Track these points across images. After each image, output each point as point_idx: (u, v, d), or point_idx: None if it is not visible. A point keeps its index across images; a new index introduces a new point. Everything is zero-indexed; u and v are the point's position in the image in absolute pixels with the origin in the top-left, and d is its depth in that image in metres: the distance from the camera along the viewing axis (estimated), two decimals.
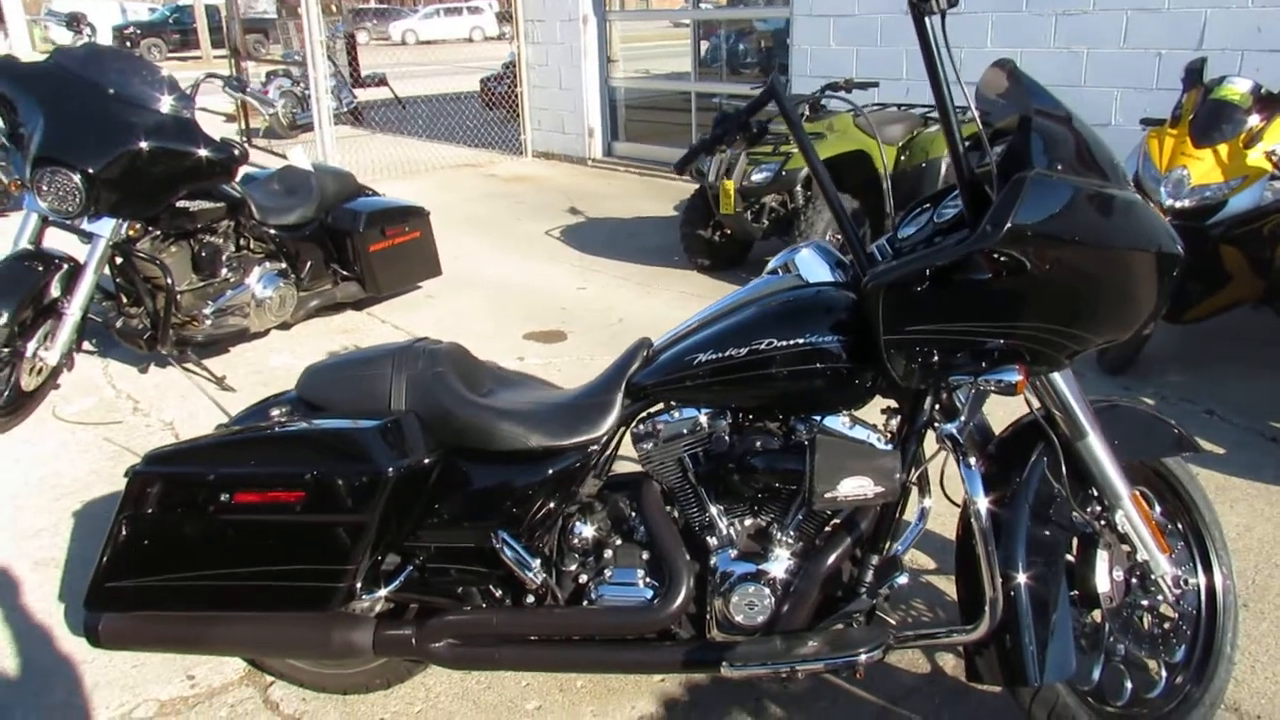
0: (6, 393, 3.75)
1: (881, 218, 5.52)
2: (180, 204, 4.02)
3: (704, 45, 10.11)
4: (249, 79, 12.81)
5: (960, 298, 1.70)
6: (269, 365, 4.53)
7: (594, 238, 6.81)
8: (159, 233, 4.08)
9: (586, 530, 2.07)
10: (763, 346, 1.86)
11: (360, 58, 15.81)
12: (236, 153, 3.99)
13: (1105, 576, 1.89)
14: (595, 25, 9.27)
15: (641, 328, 4.85)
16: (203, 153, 3.90)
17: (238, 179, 4.41)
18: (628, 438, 2.06)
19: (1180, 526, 2.13)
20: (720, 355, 1.89)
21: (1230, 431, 3.48)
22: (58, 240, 4.03)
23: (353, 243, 4.84)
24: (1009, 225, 1.59)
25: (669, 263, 6.01)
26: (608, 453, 2.07)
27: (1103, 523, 1.94)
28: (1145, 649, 2.04)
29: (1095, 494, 1.96)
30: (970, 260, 1.65)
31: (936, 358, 1.77)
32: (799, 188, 5.24)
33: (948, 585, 2.62)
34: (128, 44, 31.01)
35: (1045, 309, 1.70)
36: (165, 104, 3.87)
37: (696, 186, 5.65)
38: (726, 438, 1.97)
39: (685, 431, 1.98)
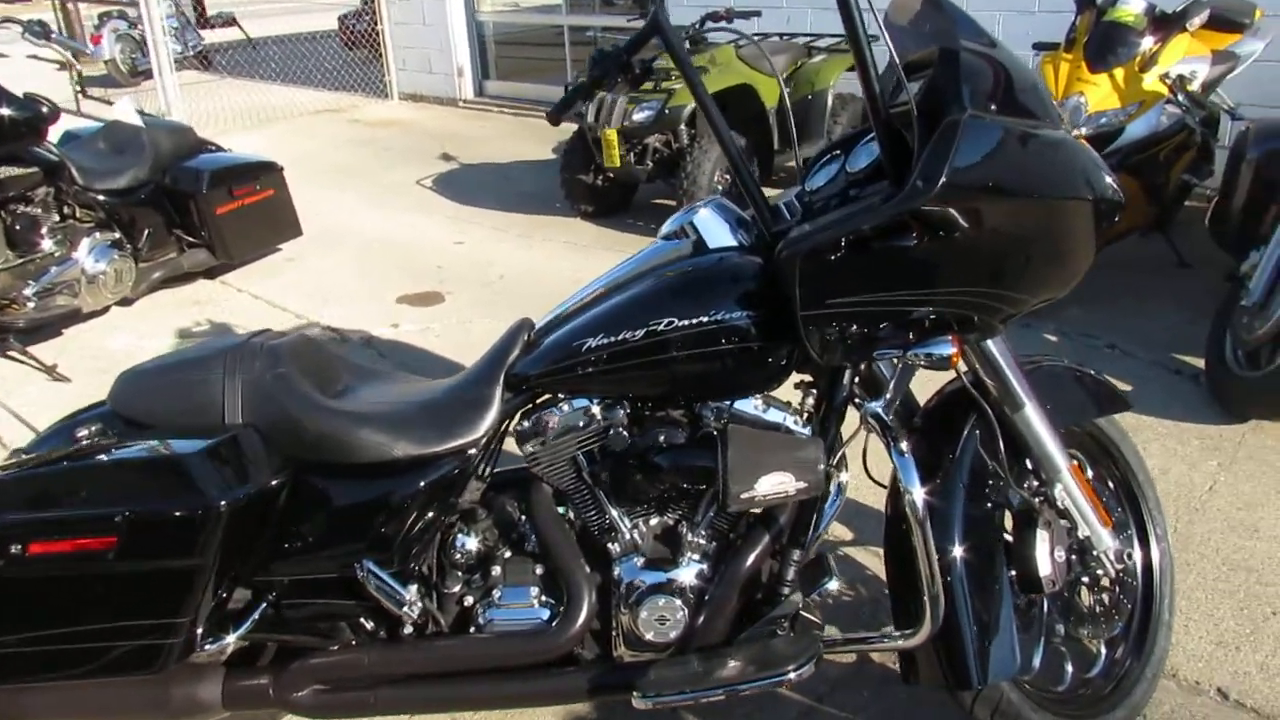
0: None
1: (770, 154, 5.30)
2: None
3: None
4: (81, 22, 11.71)
5: (887, 263, 1.47)
6: (109, 349, 4.05)
7: (469, 186, 6.39)
8: None
9: (470, 543, 1.79)
10: (661, 327, 1.59)
11: None
12: (44, 110, 3.48)
13: (1047, 559, 1.72)
14: None
15: (524, 284, 4.53)
16: (4, 111, 3.38)
17: (54, 139, 3.88)
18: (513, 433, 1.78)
19: (1114, 487, 1.99)
20: (613, 339, 1.62)
21: (1135, 366, 3.41)
22: None
23: (196, 205, 4.34)
24: (944, 179, 1.36)
25: (550, 210, 5.67)
26: (489, 454, 1.79)
27: (1041, 499, 1.77)
28: (1086, 627, 1.90)
29: (1031, 467, 1.78)
30: (902, 219, 1.41)
31: (861, 331, 1.54)
32: (683, 126, 4.95)
33: (868, 559, 2.45)
34: None
35: (981, 271, 1.48)
36: None
37: (576, 128, 5.30)
38: (624, 431, 1.71)
39: (576, 426, 1.71)
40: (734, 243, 1.73)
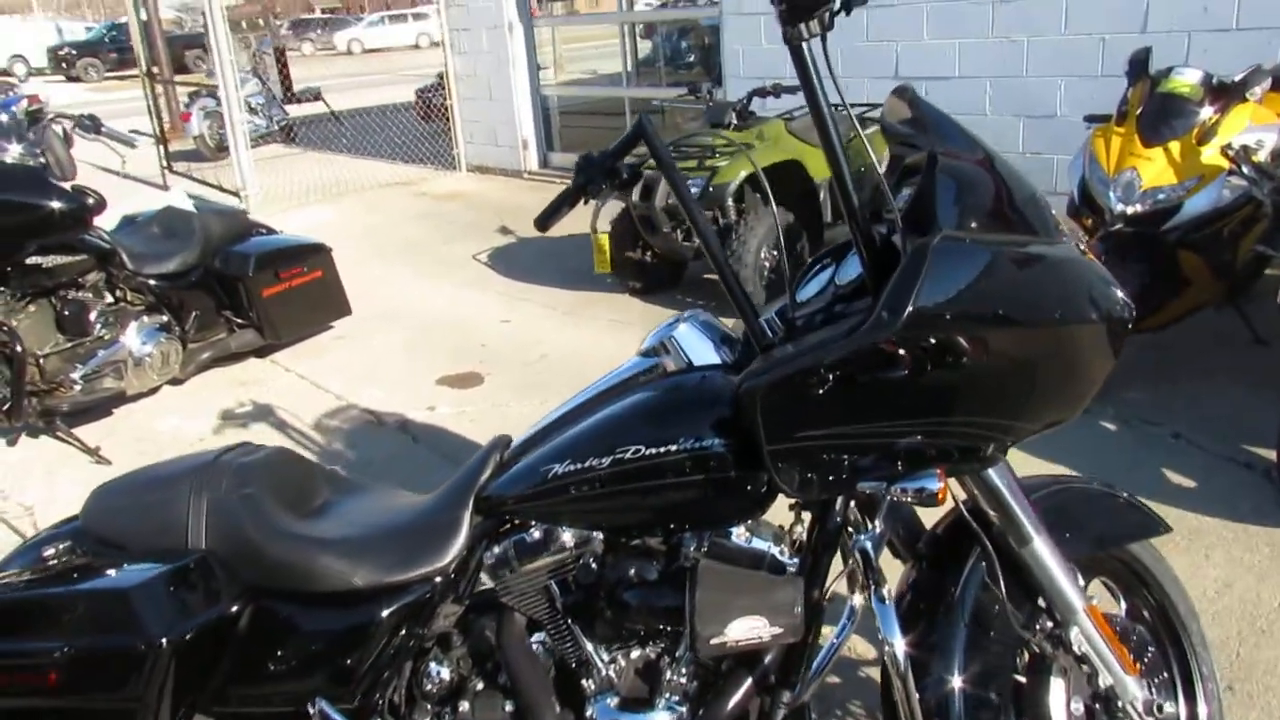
0: None
1: (820, 228, 5.19)
2: (32, 260, 3.59)
3: (646, 45, 9.80)
4: (178, 99, 12.26)
5: (859, 395, 1.34)
6: (155, 430, 4.11)
7: (523, 260, 6.42)
8: (10, 293, 3.64)
9: (442, 672, 1.69)
10: (628, 455, 1.49)
11: (300, 70, 15.26)
12: (90, 201, 3.57)
13: (1062, 710, 1.55)
14: (522, 32, 8.87)
15: (565, 364, 4.48)
16: (52, 205, 3.49)
17: (114, 224, 4.00)
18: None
19: (1150, 619, 1.79)
20: (579, 467, 1.52)
21: (1200, 459, 3.16)
22: None
23: (244, 288, 4.42)
24: (910, 309, 1.24)
25: (600, 286, 5.63)
26: (463, 579, 1.70)
27: (1056, 642, 1.60)
28: None
29: (1045, 606, 1.61)
30: (866, 353, 1.29)
31: (837, 465, 1.41)
32: (729, 201, 4.88)
33: None
34: (63, 65, 30.15)
35: (969, 400, 1.35)
36: (8, 151, 3.45)
37: (623, 205, 5.28)
38: (594, 564, 1.60)
39: (546, 555, 1.61)
40: (716, 360, 1.63)
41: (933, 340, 1.27)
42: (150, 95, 10.41)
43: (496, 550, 1.65)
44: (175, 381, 4.45)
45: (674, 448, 1.47)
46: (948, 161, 1.37)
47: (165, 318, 4.20)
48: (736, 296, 1.59)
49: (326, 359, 4.80)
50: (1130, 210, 3.36)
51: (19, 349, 3.56)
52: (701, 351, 1.66)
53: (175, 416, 4.22)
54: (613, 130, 8.91)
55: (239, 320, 4.56)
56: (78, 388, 3.86)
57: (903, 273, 1.28)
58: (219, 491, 1.69)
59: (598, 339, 4.83)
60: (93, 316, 3.96)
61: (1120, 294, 1.42)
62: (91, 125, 3.86)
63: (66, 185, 3.56)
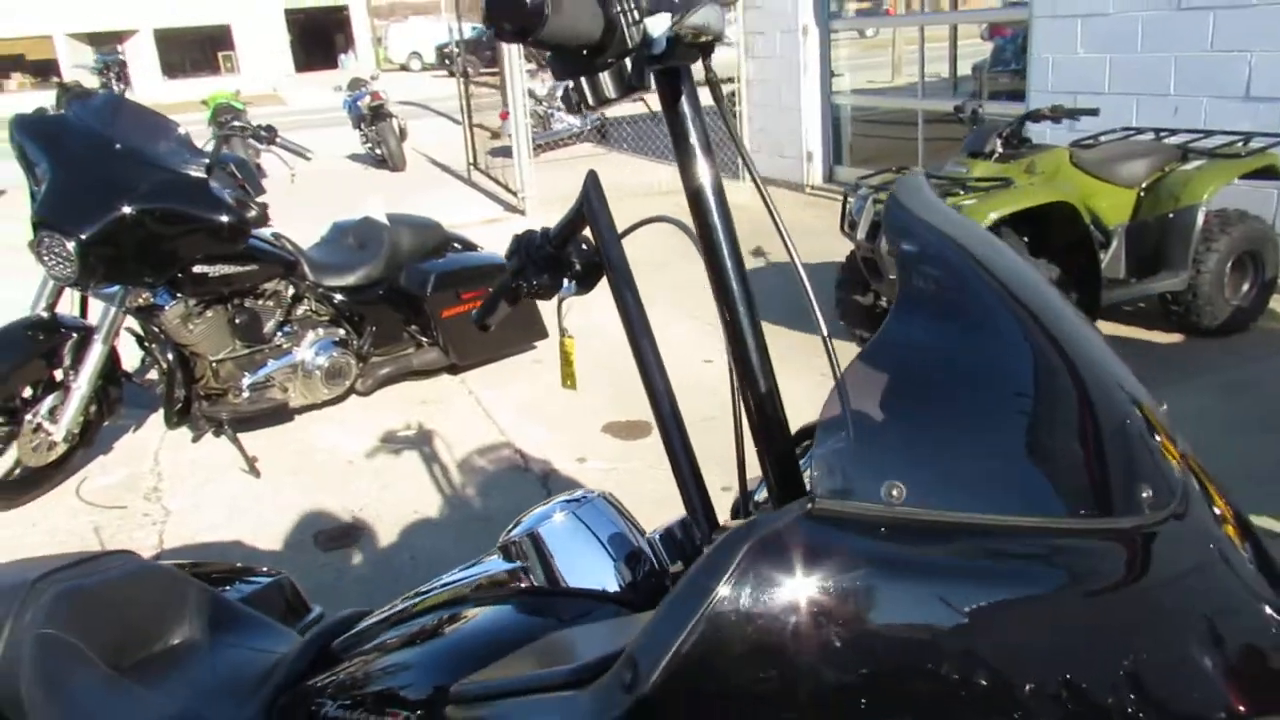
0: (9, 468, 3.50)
1: (1097, 285, 4.15)
2: (201, 270, 3.60)
3: (984, 49, 8.85)
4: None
5: None
6: (314, 447, 4.03)
7: (759, 288, 5.77)
8: (186, 299, 3.68)
9: None
10: None
11: None
12: (250, 214, 3.51)
13: None
14: (817, 36, 8.20)
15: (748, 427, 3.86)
16: (213, 217, 3.46)
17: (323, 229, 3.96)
18: None
19: None
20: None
21: None
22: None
23: (426, 307, 4.24)
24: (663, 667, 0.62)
25: (830, 330, 4.90)
26: None
27: None
28: None
29: None
30: None
31: None
32: None
33: None
34: (446, 61, 33.37)
35: None
36: (178, 163, 3.46)
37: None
38: None
39: None
40: (600, 586, 1.06)
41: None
42: (464, 94, 10.93)
43: None
44: (359, 394, 4.38)
45: None
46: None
47: (342, 331, 4.12)
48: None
49: (510, 386, 4.53)
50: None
51: (169, 358, 3.57)
52: (580, 566, 1.09)
53: (339, 433, 4.13)
54: (905, 141, 8.02)
55: (424, 338, 4.41)
56: (244, 395, 3.86)
57: (675, 596, 0.64)
58: (22, 623, 1.36)
59: (808, 395, 4.13)
60: (270, 325, 3.95)
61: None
62: (266, 136, 3.83)
63: (252, 199, 3.57)
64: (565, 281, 1.29)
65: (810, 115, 8.42)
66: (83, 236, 3.25)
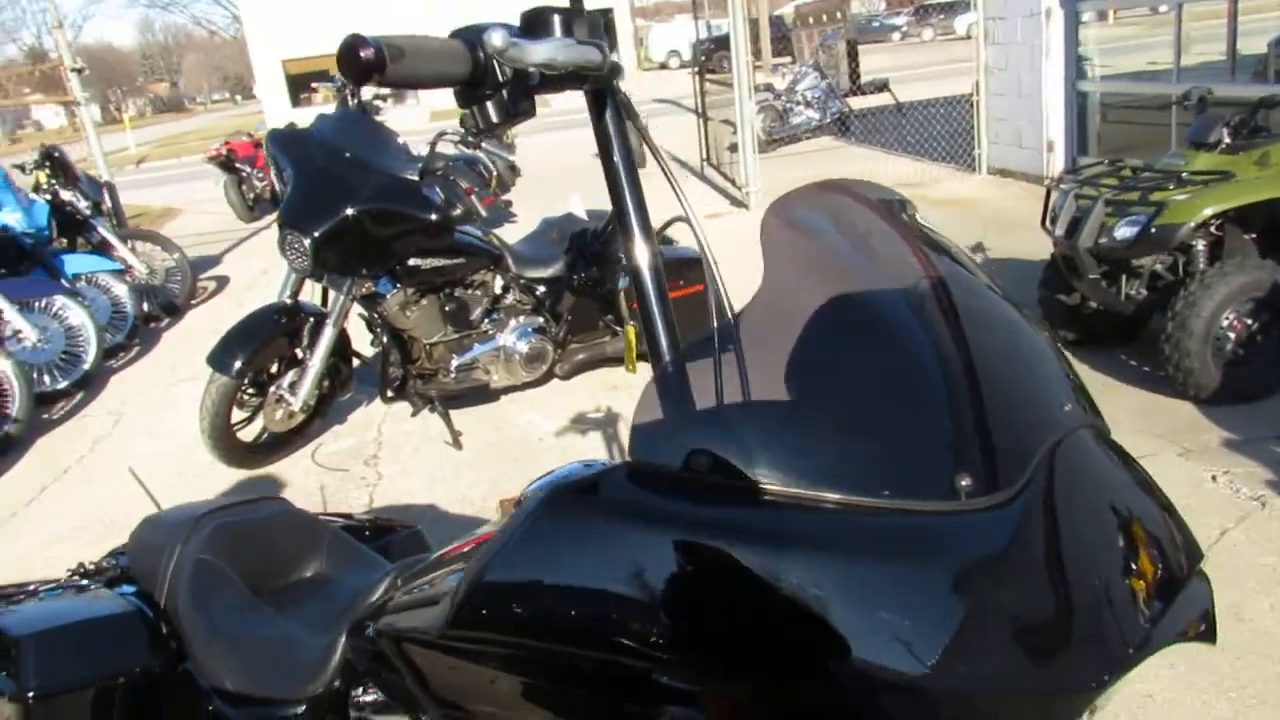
0: (257, 433, 4.08)
1: None
2: (416, 262, 4.02)
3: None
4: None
5: None
6: (511, 424, 4.38)
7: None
8: (404, 288, 4.12)
9: None
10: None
11: (877, 60, 15.16)
12: (456, 213, 3.87)
13: None
14: (1061, 19, 7.72)
15: None
16: (422, 215, 3.86)
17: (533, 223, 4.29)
18: None
19: None
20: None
21: None
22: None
23: (620, 299, 4.47)
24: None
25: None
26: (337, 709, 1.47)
27: None
28: None
29: None
30: None
31: None
32: (1197, 246, 3.71)
33: None
34: (701, 58, 34.06)
35: None
36: (395, 168, 3.88)
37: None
38: None
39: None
40: None
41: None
42: (699, 91, 11.17)
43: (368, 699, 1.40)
44: (559, 378, 4.70)
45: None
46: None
47: (542, 320, 4.44)
48: None
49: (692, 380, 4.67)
50: None
51: (385, 340, 4.02)
52: None
53: (537, 413, 4.46)
54: (1158, 128, 7.39)
55: (619, 327, 4.64)
56: (453, 375, 4.26)
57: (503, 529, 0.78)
58: (188, 549, 1.67)
59: None
60: (478, 312, 4.33)
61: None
62: (474, 143, 4.18)
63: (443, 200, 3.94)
64: (621, 275, 1.40)
65: (1052, 102, 7.94)
66: (315, 234, 3.74)
